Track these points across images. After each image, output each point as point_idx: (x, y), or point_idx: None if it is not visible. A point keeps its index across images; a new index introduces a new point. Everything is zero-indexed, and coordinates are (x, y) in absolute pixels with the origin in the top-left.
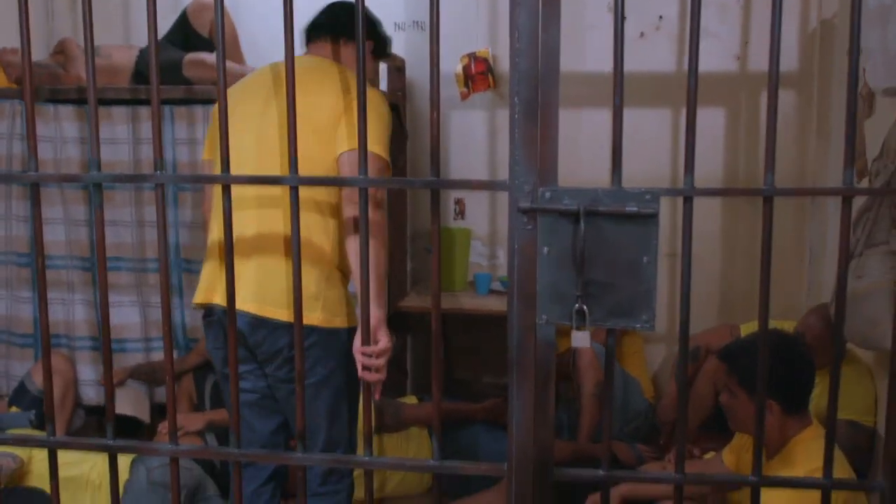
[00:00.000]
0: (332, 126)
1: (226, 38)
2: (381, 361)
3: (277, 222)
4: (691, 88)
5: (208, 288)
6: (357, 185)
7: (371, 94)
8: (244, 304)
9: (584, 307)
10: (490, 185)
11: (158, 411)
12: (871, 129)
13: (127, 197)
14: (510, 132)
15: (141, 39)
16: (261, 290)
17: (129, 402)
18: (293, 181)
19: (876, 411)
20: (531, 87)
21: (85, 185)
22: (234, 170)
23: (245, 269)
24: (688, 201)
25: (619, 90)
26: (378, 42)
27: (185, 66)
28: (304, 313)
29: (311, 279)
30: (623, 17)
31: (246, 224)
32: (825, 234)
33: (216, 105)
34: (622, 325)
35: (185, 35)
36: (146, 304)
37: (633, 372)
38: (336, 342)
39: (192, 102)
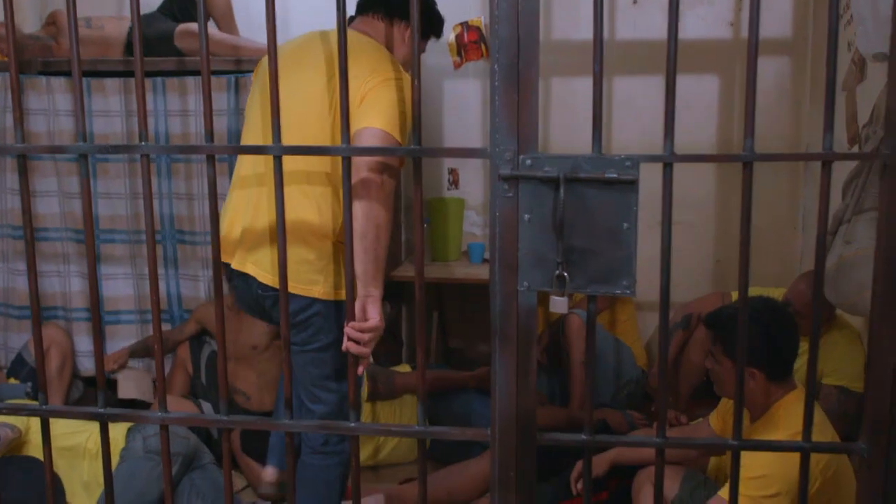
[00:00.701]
0: (354, 106)
1: (220, 8)
2: (367, 337)
3: (288, 197)
4: (670, 54)
5: (223, 248)
6: (339, 154)
7: (389, 73)
8: (258, 271)
9: (565, 273)
10: (471, 153)
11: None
12: (862, 95)
13: (121, 169)
14: (490, 99)
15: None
16: (270, 261)
17: (133, 385)
18: (277, 151)
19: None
20: (511, 54)
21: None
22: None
23: (260, 240)
24: (667, 167)
25: (598, 57)
26: (428, 22)
27: (177, 37)
28: (308, 286)
29: (316, 253)
30: None
31: (263, 197)
32: (817, 201)
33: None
34: (602, 292)
35: (179, 5)
36: (141, 276)
37: (626, 339)
38: (339, 313)
39: (184, 74)
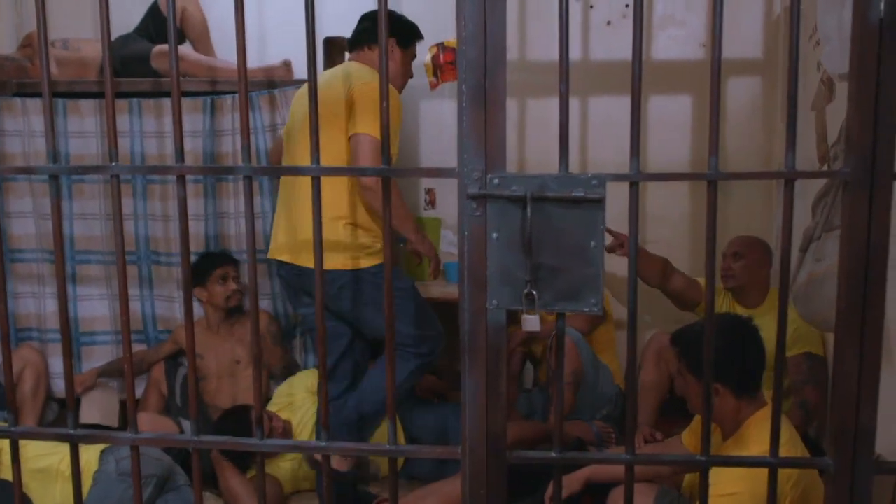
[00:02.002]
0: (343, 115)
1: (196, 29)
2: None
3: (303, 190)
4: (635, 74)
5: (271, 247)
6: (310, 175)
7: (375, 84)
8: (287, 256)
9: (534, 291)
10: (439, 173)
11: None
12: (832, 114)
13: (96, 189)
14: (458, 119)
15: (111, 32)
16: (297, 243)
17: (97, 408)
18: (246, 171)
19: (823, 342)
20: (478, 74)
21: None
22: None
23: (294, 226)
24: (633, 186)
25: (564, 77)
26: (401, 36)
27: (154, 58)
28: (334, 261)
29: (336, 231)
30: (590, 6)
31: (301, 191)
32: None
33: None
34: (570, 309)
35: (156, 26)
36: (116, 297)
37: (604, 358)
38: (365, 276)
39: (161, 95)
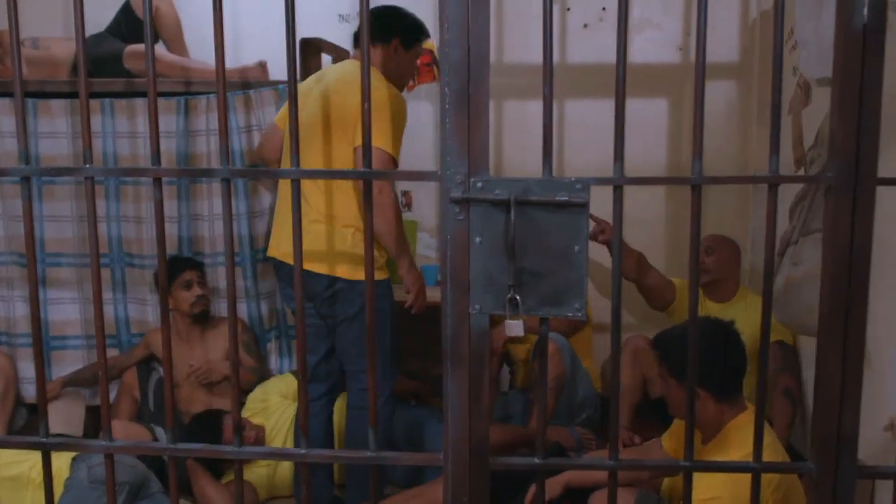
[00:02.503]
0: (351, 125)
1: (170, 29)
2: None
3: (313, 195)
4: (619, 77)
5: (271, 244)
6: (290, 178)
7: (380, 92)
8: (288, 257)
9: (517, 296)
10: (422, 176)
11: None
12: (808, 119)
13: (67, 191)
14: (441, 123)
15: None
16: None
17: (60, 418)
18: (224, 173)
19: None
20: (461, 77)
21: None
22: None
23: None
24: (618, 189)
25: (548, 80)
26: (405, 35)
27: (126, 58)
28: (334, 266)
29: (345, 240)
30: (567, 8)
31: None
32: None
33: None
34: (554, 314)
35: (129, 25)
36: (88, 301)
37: (583, 362)
38: (360, 289)
39: (134, 95)
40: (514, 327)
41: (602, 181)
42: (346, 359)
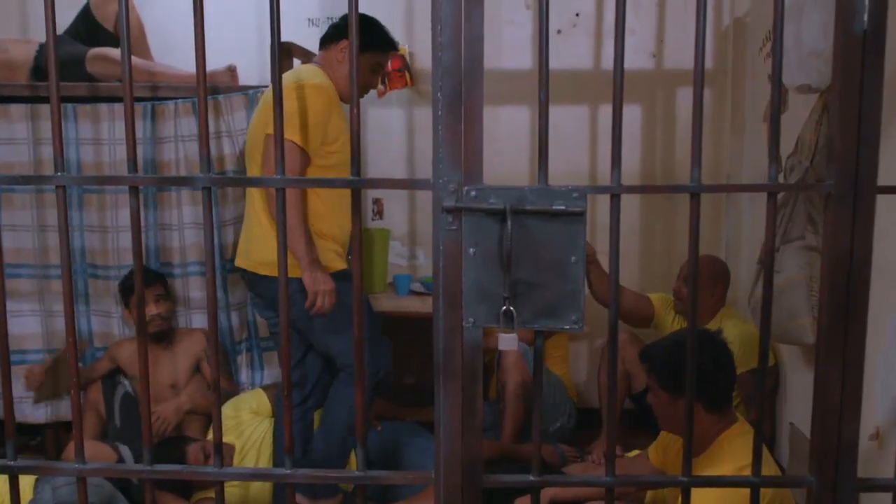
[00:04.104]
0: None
1: (132, 33)
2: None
3: (256, 200)
4: (617, 84)
5: (238, 253)
6: (273, 186)
7: (295, 88)
8: (244, 263)
9: (512, 309)
10: (413, 184)
11: (65, 428)
12: (785, 126)
13: (28, 200)
14: (433, 128)
15: (40, 33)
16: (249, 251)
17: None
18: (205, 182)
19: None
20: (455, 81)
21: None
22: None
23: (248, 235)
24: (615, 198)
25: (544, 85)
26: (364, 40)
27: (89, 62)
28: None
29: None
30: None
31: (250, 199)
32: (740, 230)
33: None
34: (550, 327)
35: (89, 28)
36: (49, 313)
37: (556, 370)
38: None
39: (97, 100)
40: (508, 341)
41: (599, 189)
42: (329, 353)
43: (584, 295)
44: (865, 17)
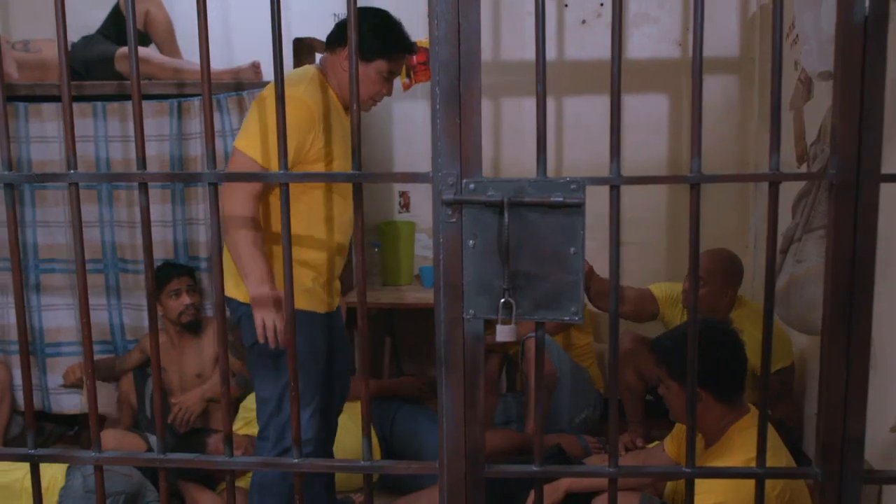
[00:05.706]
0: None
1: (161, 31)
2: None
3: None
4: (614, 73)
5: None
6: (279, 181)
7: (267, 95)
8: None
9: (512, 300)
10: (412, 178)
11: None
12: (809, 113)
13: (60, 196)
14: (432, 122)
15: (73, 33)
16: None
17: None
18: (210, 178)
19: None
20: (452, 76)
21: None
22: None
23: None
24: (614, 189)
25: (541, 77)
26: (363, 45)
27: (118, 60)
28: (236, 288)
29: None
30: (564, 5)
31: None
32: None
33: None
34: (550, 318)
35: (119, 27)
36: None
37: (583, 362)
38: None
39: (126, 98)
40: (506, 332)
41: (597, 181)
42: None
43: (583, 286)
44: (867, 3)
